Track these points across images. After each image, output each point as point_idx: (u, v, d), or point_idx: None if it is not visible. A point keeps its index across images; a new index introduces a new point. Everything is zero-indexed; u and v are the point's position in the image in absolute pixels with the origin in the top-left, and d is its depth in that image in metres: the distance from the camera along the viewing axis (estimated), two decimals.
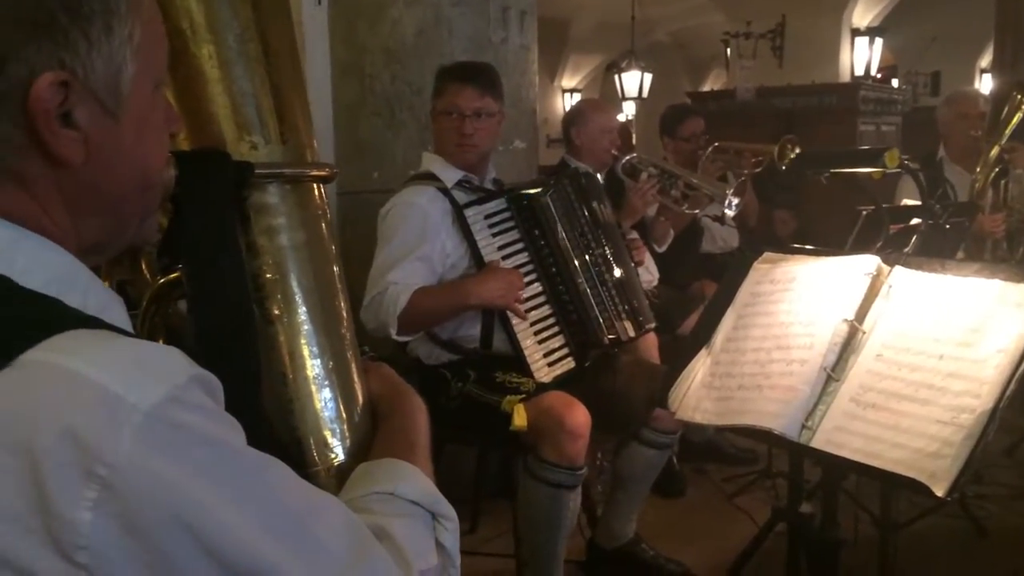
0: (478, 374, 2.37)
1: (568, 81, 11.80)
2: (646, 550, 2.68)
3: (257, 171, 0.96)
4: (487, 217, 2.43)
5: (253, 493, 0.65)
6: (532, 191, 2.49)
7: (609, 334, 2.52)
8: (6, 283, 0.66)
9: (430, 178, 2.44)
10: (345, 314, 1.04)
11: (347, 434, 0.99)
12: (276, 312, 0.97)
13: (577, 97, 11.57)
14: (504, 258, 2.43)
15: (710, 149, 3.74)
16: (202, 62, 0.95)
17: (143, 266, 0.99)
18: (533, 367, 2.39)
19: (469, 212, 2.40)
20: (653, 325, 2.71)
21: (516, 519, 2.38)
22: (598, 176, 3.04)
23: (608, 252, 2.58)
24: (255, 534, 0.63)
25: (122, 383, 0.60)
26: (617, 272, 2.59)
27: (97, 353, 0.61)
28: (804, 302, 1.59)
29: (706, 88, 11.33)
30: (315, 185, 1.04)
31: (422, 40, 3.04)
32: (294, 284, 0.99)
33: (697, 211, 3.45)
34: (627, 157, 3.42)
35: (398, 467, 0.89)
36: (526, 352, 2.40)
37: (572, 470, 2.20)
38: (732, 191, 3.19)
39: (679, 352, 1.79)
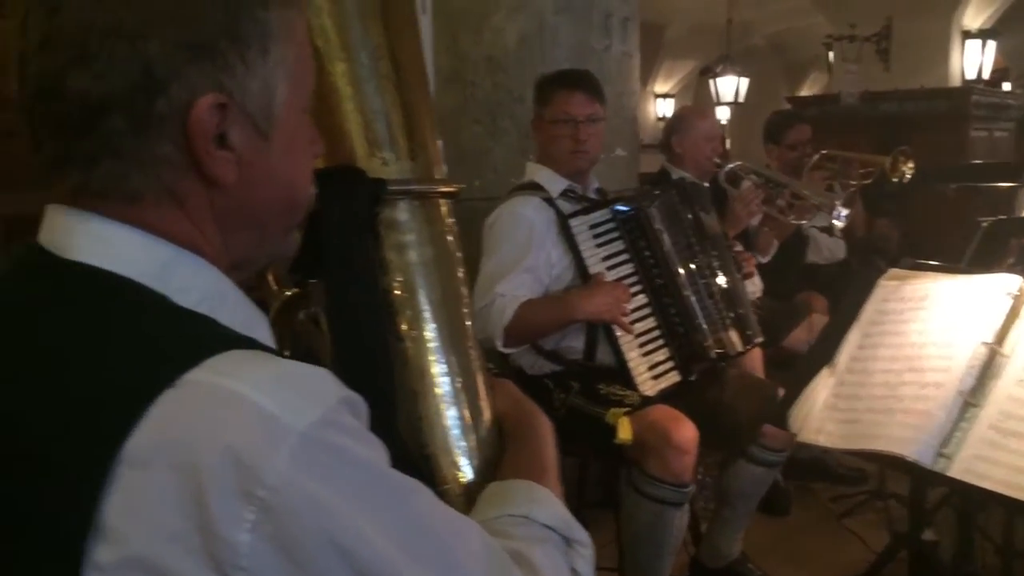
0: (581, 385, 2.35)
1: (661, 86, 11.67)
2: (753, 570, 2.61)
3: (389, 188, 0.96)
4: (592, 227, 2.41)
5: (401, 517, 0.65)
6: (637, 200, 2.46)
7: (716, 348, 2.46)
8: (164, 303, 0.67)
9: (535, 188, 2.44)
10: (471, 331, 1.03)
11: (475, 452, 0.98)
12: (405, 328, 0.97)
13: (671, 103, 11.43)
14: (609, 269, 2.40)
15: (816, 157, 3.63)
16: (336, 79, 0.97)
17: (269, 278, 1.00)
18: (638, 380, 2.36)
19: (574, 222, 2.38)
20: (761, 339, 2.64)
21: (619, 532, 2.34)
22: (704, 185, 2.98)
23: (715, 263, 2.53)
24: (403, 558, 0.63)
25: (279, 404, 0.61)
26: (724, 284, 2.53)
27: (255, 374, 0.62)
28: (938, 322, 1.51)
29: (804, 93, 11.05)
30: (442, 201, 1.04)
31: (524, 48, 3.04)
32: (423, 301, 0.99)
33: (803, 221, 3.35)
34: (730, 165, 3.34)
35: (532, 490, 0.87)
36: (631, 365, 2.36)
37: (678, 487, 2.16)
38: (841, 202, 3.08)
39: (796, 369, 1.73)
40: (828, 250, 3.83)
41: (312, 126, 0.82)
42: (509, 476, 0.93)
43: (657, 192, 2.52)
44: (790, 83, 12.03)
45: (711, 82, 10.16)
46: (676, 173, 3.25)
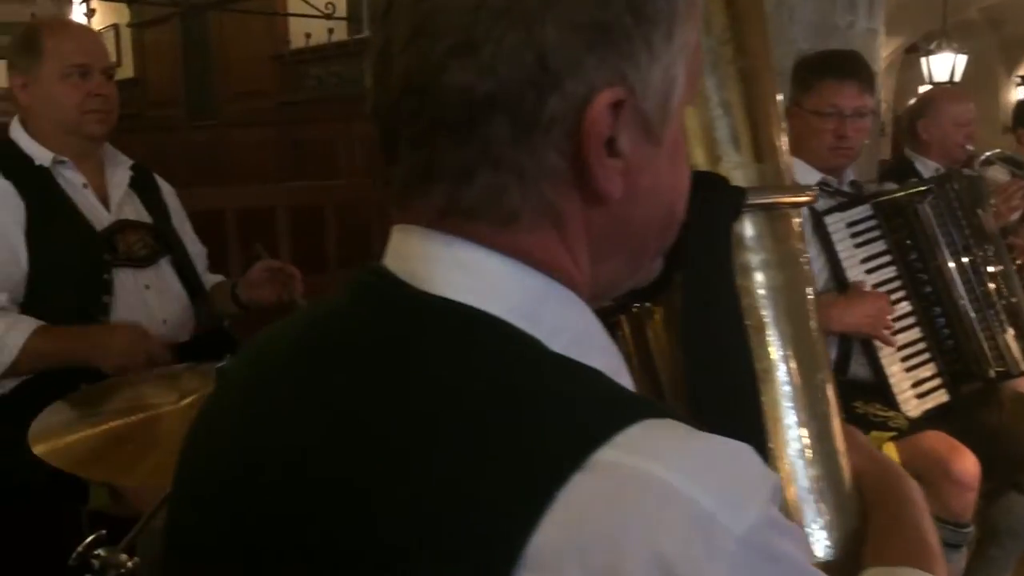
0: None
1: None
2: None
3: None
4: (849, 225, 2.17)
5: None
6: (904, 195, 2.19)
7: (996, 366, 2.16)
8: (547, 355, 0.53)
9: None
10: (829, 372, 0.85)
11: (834, 523, 0.81)
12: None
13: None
14: (868, 272, 2.15)
15: None
16: None
17: None
18: (900, 398, 2.10)
19: (829, 220, 2.15)
20: None
21: None
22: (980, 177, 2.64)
23: (996, 270, 2.22)
24: None
25: (714, 499, 0.47)
26: (1005, 292, 2.22)
27: (677, 453, 0.48)
28: None
29: None
30: (793, 212, 0.87)
31: None
32: (773, 335, 0.82)
33: None
34: (987, 154, 2.98)
35: None
36: (892, 381, 2.11)
37: (957, 527, 1.90)
38: None
39: None
40: None
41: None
42: (887, 559, 0.75)
43: (928, 186, 2.24)
44: (1007, 61, 10.99)
45: (922, 60, 9.39)
46: (920, 162, 2.94)
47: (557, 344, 0.55)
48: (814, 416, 0.82)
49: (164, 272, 2.13)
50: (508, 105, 0.52)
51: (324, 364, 0.56)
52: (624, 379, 0.62)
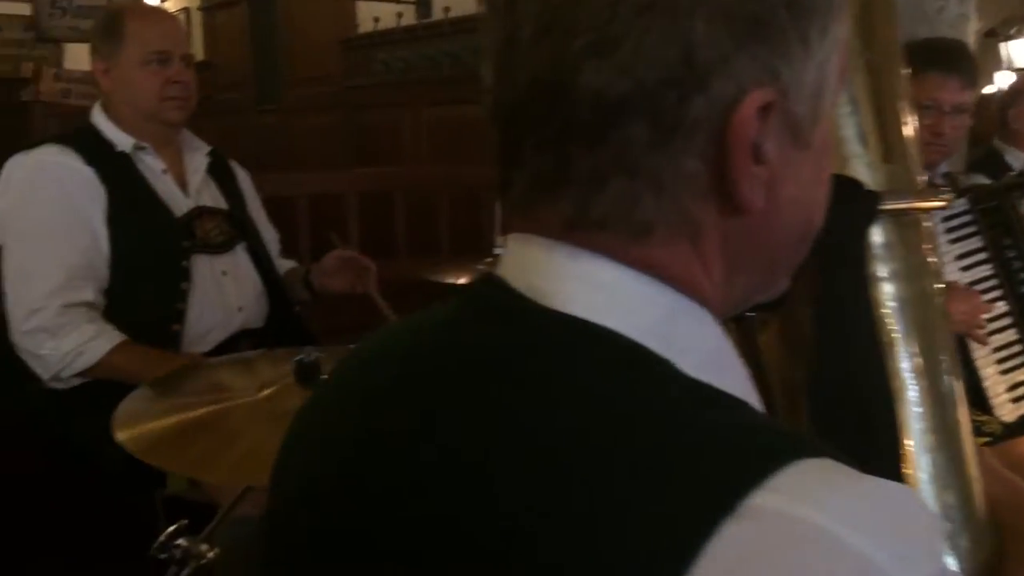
0: None
1: None
2: None
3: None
4: (944, 220, 2.07)
5: None
6: (1001, 189, 2.09)
7: None
8: (681, 381, 0.49)
9: None
10: (961, 391, 0.79)
11: (970, 556, 0.75)
12: None
13: None
14: (962, 270, 2.06)
15: None
16: None
17: None
18: (994, 402, 2.01)
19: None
20: None
21: None
22: None
23: None
24: None
25: (886, 552, 0.41)
26: None
27: (842, 501, 0.43)
28: None
29: None
30: (923, 218, 0.81)
31: None
32: (904, 351, 0.76)
33: None
34: None
35: None
36: (986, 384, 2.02)
37: None
38: None
39: None
40: None
41: None
42: None
43: None
44: None
45: (1000, 45, 9.05)
46: (1010, 153, 2.80)
47: (688, 365, 0.50)
48: (947, 439, 0.77)
49: (240, 259, 2.13)
50: (647, 107, 0.47)
51: (440, 383, 0.52)
52: (753, 401, 0.57)
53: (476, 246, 3.27)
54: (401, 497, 0.50)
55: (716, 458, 0.44)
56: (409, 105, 4.80)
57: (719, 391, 0.49)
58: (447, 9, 4.57)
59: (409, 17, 4.88)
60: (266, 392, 1.40)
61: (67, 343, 1.83)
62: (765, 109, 0.49)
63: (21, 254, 1.90)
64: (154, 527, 2.01)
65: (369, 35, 5.23)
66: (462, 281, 2.38)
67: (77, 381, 1.89)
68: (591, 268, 0.51)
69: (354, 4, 5.23)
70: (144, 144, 2.02)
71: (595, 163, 0.49)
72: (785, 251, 0.57)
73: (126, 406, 1.37)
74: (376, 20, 5.10)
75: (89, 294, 1.89)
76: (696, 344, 0.52)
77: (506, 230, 0.57)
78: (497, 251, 2.48)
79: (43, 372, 1.88)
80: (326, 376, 0.72)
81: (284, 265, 2.32)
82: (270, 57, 6.32)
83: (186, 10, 7.19)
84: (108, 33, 2.01)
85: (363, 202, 3.14)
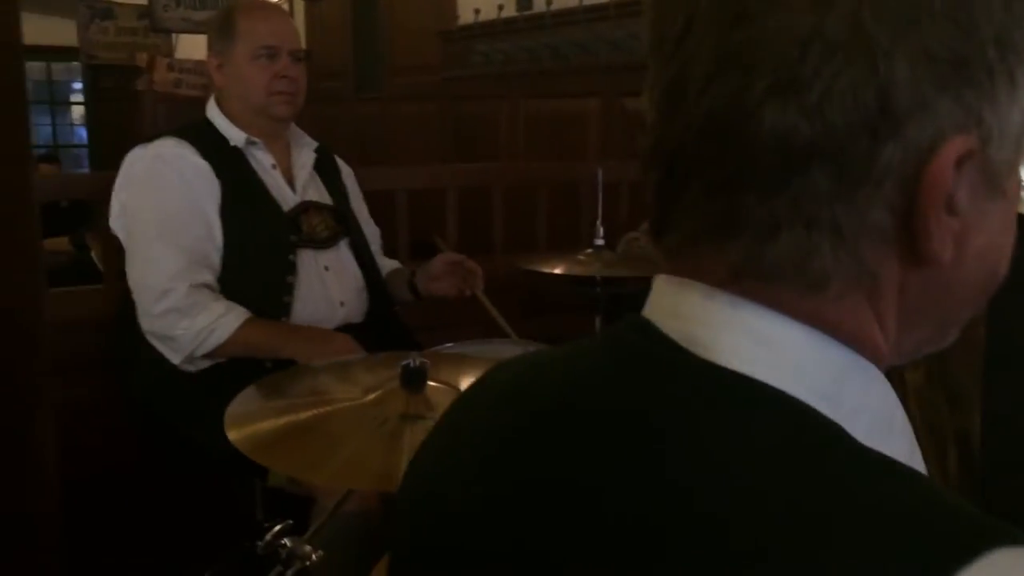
0: None
1: None
2: None
3: None
4: None
5: None
6: None
7: None
8: (858, 451, 0.44)
9: None
10: None
11: None
12: None
13: None
14: None
15: None
16: None
17: None
18: None
19: None
20: None
21: None
22: None
23: None
24: None
25: None
26: None
27: None
28: None
29: None
30: None
31: None
32: None
33: None
34: None
35: None
36: None
37: None
38: None
39: None
40: None
41: None
42: None
43: None
44: None
45: None
46: None
47: (858, 427, 0.46)
48: None
49: (343, 254, 2.15)
50: (835, 153, 0.43)
51: (596, 436, 0.49)
52: (918, 463, 0.53)
53: (574, 241, 3.24)
54: (549, 552, 0.47)
55: (900, 545, 0.40)
56: (507, 96, 4.78)
57: (894, 462, 0.45)
58: (549, 2, 4.53)
59: (510, 9, 4.86)
60: (371, 396, 1.39)
61: (199, 321, 1.87)
62: (964, 157, 0.44)
63: (145, 242, 1.95)
64: (252, 517, 2.06)
65: (469, 26, 5.23)
66: (558, 271, 2.35)
67: (206, 363, 1.94)
68: (757, 320, 0.47)
69: None
70: (256, 139, 2.05)
71: (771, 210, 0.45)
72: (965, 304, 0.52)
73: (237, 406, 1.38)
74: (477, 12, 5.09)
75: (210, 277, 1.93)
76: (865, 404, 0.49)
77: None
78: (598, 243, 2.44)
79: (175, 354, 1.92)
80: (449, 400, 0.69)
81: (387, 265, 2.33)
82: (371, 47, 6.40)
83: (289, 0, 7.34)
84: (222, 30, 2.05)
85: (461, 197, 3.14)
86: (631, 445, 0.47)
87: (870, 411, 0.49)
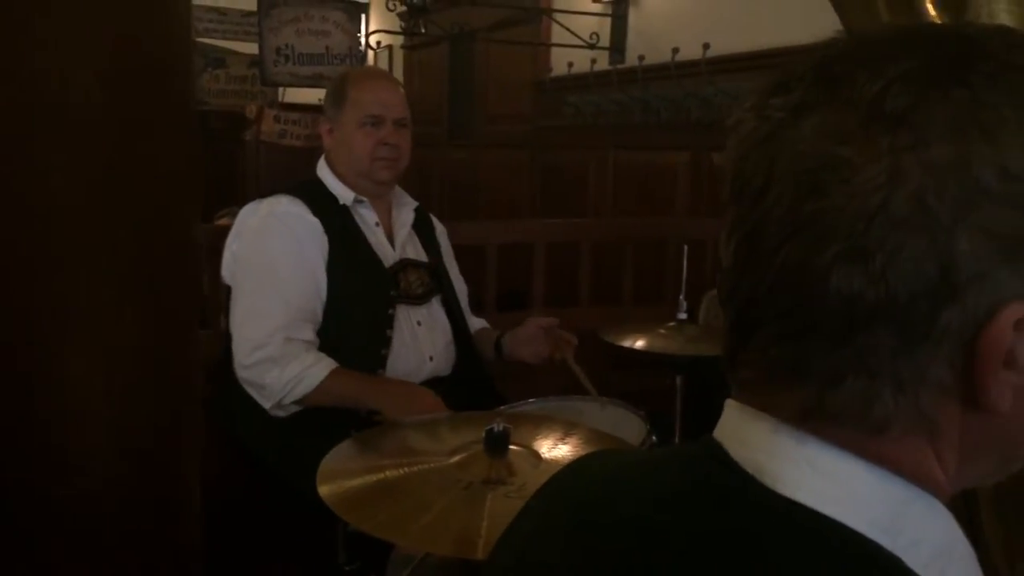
0: None
1: None
2: None
3: None
4: None
5: None
6: None
7: None
8: (901, 570, 0.48)
9: None
10: None
11: None
12: None
13: None
14: None
15: None
16: None
17: None
18: None
19: None
20: None
21: None
22: None
23: None
24: None
25: None
26: None
27: None
28: None
29: None
30: None
31: None
32: None
33: None
34: None
35: None
36: None
37: None
38: None
39: None
40: None
41: None
42: None
43: None
44: None
45: None
46: None
47: (918, 557, 0.49)
48: None
49: (435, 310, 2.23)
50: (896, 316, 0.47)
51: (663, 555, 0.53)
52: None
53: (658, 297, 3.26)
54: None
55: None
56: (596, 147, 4.85)
57: None
58: (641, 57, 4.59)
59: (603, 63, 4.94)
60: (456, 459, 1.45)
61: (289, 371, 1.95)
62: (1020, 322, 0.48)
63: (251, 294, 2.06)
64: (335, 559, 2.13)
65: (561, 78, 5.33)
66: (639, 345, 2.36)
67: (295, 408, 2.02)
68: (821, 455, 0.51)
69: (549, 49, 5.35)
70: (363, 198, 2.16)
71: (836, 361, 0.49)
72: None
73: (329, 462, 1.45)
74: (570, 65, 5.19)
75: (309, 334, 2.03)
76: (926, 536, 0.52)
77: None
78: (681, 314, 2.46)
79: (266, 400, 2.01)
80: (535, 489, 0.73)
81: (475, 323, 2.40)
82: (465, 95, 6.58)
83: (389, 47, 7.60)
84: (334, 96, 2.19)
85: (549, 251, 3.20)
86: (706, 571, 0.50)
87: (931, 542, 0.52)
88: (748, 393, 0.55)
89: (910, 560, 0.49)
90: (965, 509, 0.78)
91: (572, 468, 0.68)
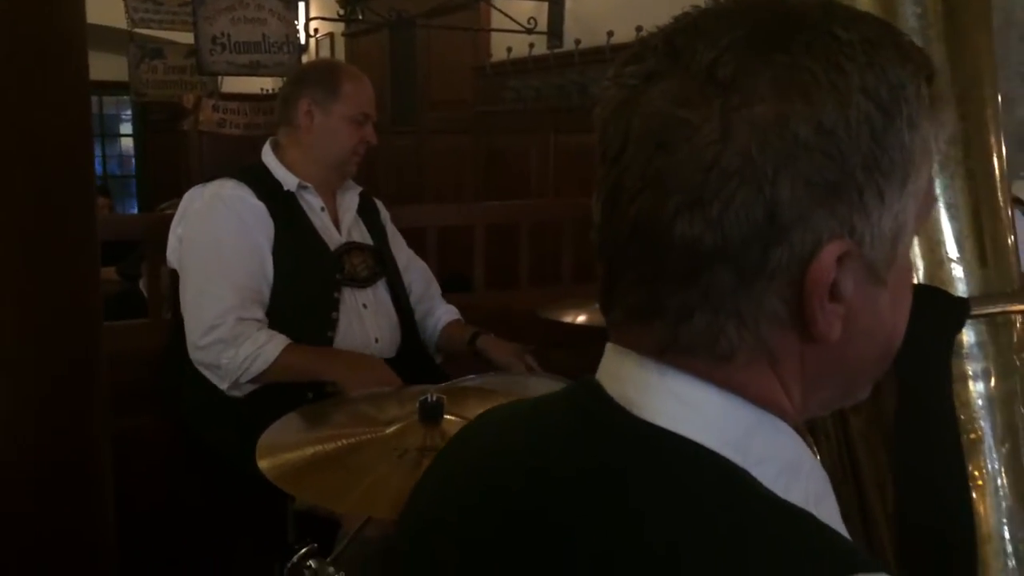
0: None
1: None
2: None
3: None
4: None
5: None
6: None
7: None
8: (757, 493, 0.55)
9: None
10: None
11: None
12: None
13: None
14: None
15: None
16: None
17: None
18: None
19: None
20: None
21: None
22: None
23: None
24: None
25: None
26: None
27: None
28: None
29: None
30: (1019, 320, 0.84)
31: None
32: (989, 447, 0.80)
33: None
34: None
35: None
36: None
37: None
38: None
39: None
40: None
41: None
42: None
43: None
44: None
45: None
46: None
47: (765, 474, 0.57)
48: None
49: (380, 293, 2.28)
50: (732, 256, 0.55)
51: (570, 487, 0.59)
52: (830, 502, 0.63)
53: (596, 276, 3.32)
54: None
55: (777, 570, 0.51)
56: (537, 131, 4.92)
57: (791, 507, 0.55)
58: (578, 41, 4.66)
59: (541, 47, 5.00)
60: (391, 429, 1.51)
61: (243, 350, 2.00)
62: (844, 256, 0.55)
63: (199, 276, 2.09)
64: (284, 537, 2.17)
65: (501, 63, 5.38)
66: (580, 320, 2.44)
67: (250, 388, 2.06)
68: (677, 386, 0.58)
69: (488, 34, 5.39)
70: (307, 184, 2.19)
71: (684, 300, 0.56)
72: (863, 371, 0.63)
73: (268, 437, 1.50)
74: (509, 50, 5.24)
75: (260, 313, 2.07)
76: (773, 454, 0.59)
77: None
78: None
79: (222, 381, 2.05)
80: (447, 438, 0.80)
81: (445, 313, 2.43)
82: (407, 81, 6.58)
83: (330, 35, 7.57)
84: (326, 86, 2.20)
85: (489, 233, 3.26)
86: (593, 491, 0.58)
87: (778, 459, 0.59)
88: (617, 333, 0.62)
89: (759, 474, 0.57)
90: (841, 442, 0.86)
91: (473, 422, 0.75)
